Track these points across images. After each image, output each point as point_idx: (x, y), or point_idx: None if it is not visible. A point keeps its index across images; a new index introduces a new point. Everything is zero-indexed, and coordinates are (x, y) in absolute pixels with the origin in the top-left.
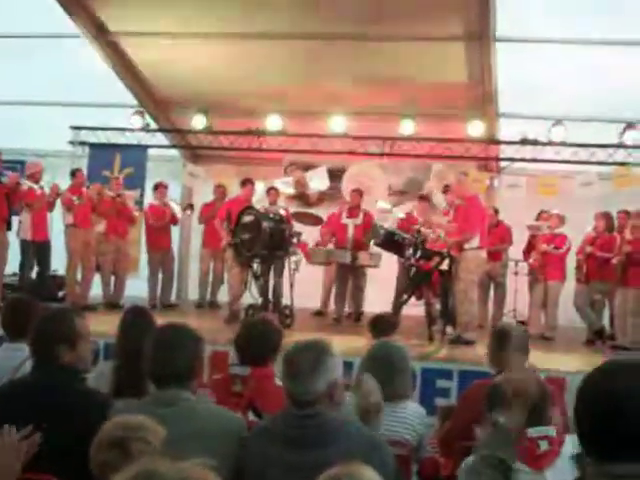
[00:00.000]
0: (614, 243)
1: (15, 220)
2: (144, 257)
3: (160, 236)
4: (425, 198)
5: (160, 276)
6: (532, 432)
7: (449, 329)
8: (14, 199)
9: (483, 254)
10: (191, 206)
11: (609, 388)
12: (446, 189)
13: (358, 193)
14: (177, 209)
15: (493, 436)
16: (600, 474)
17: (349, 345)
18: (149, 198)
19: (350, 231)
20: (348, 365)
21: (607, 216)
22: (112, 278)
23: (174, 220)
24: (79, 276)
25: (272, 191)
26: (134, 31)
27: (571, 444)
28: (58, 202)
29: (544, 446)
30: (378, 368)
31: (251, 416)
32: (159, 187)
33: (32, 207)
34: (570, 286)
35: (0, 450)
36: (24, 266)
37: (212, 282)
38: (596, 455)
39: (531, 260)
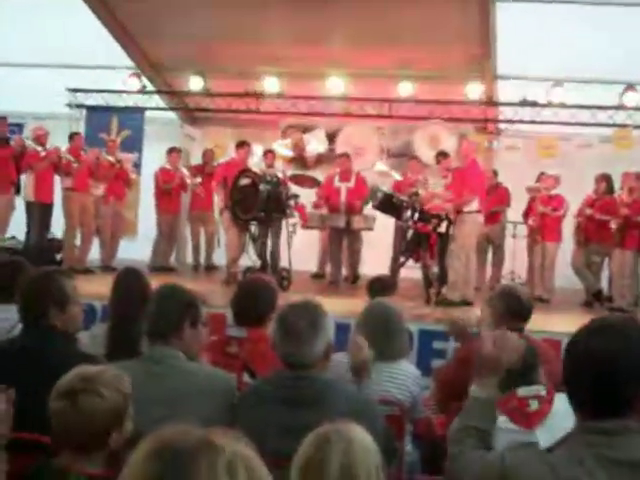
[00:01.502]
0: (614, 205)
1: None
2: (142, 220)
3: (170, 200)
4: (414, 157)
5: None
6: (522, 391)
7: (444, 290)
8: (22, 162)
9: (480, 218)
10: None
11: (603, 348)
12: (439, 158)
13: (347, 157)
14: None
15: (468, 407)
16: (590, 429)
17: (346, 307)
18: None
19: (343, 195)
20: (345, 327)
21: (607, 178)
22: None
23: (184, 186)
24: (77, 240)
25: (269, 154)
26: None
27: (563, 402)
28: None
29: (534, 405)
30: (373, 327)
31: (246, 378)
32: (173, 152)
33: (35, 169)
34: (568, 248)
35: None
36: (30, 227)
37: (206, 244)
38: (586, 412)
39: (530, 221)
